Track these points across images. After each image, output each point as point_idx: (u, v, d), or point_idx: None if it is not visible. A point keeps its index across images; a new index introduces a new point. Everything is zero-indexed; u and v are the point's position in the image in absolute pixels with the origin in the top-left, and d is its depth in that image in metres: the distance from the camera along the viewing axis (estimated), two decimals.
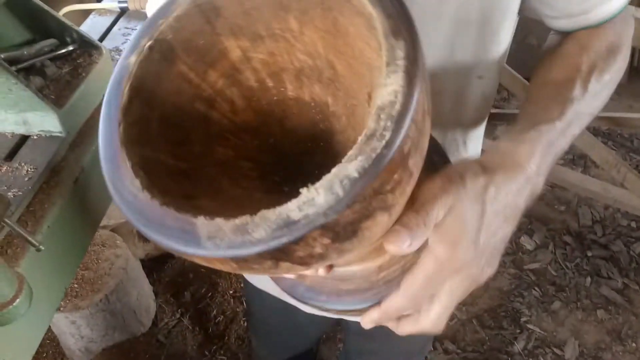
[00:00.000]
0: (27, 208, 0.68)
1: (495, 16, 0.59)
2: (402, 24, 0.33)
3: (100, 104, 0.44)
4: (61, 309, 1.43)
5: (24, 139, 0.78)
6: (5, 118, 0.77)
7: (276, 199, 0.32)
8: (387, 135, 0.30)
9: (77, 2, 1.10)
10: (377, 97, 0.31)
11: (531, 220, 2.12)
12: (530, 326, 1.82)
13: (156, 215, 0.32)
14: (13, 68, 0.74)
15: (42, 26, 0.85)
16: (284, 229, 0.29)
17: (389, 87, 0.31)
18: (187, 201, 0.37)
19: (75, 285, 1.47)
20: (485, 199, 0.39)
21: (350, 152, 0.30)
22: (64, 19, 0.86)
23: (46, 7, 0.83)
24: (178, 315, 1.82)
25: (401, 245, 0.37)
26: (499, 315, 1.85)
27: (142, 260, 1.78)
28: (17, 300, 0.51)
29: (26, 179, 0.71)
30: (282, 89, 0.46)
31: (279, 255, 0.31)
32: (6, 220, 0.53)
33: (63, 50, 0.86)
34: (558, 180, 2.03)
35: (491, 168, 0.40)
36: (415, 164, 0.33)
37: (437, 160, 0.51)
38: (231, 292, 1.90)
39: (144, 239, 1.88)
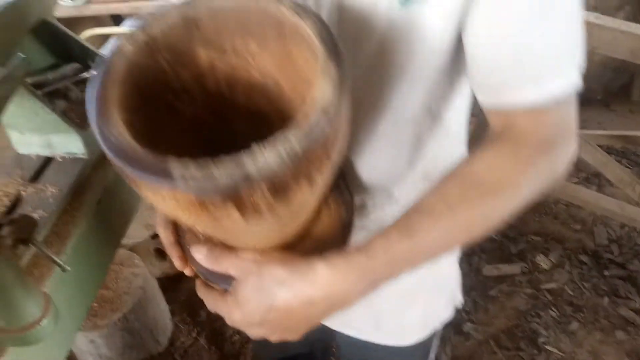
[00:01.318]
0: (52, 229, 0.70)
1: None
2: (337, 55, 0.44)
3: None
4: (80, 327, 1.44)
5: (48, 160, 0.80)
6: (30, 140, 0.79)
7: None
8: (320, 123, 0.40)
9: (95, 26, 1.13)
10: (317, 98, 0.42)
11: (547, 239, 2.10)
12: (548, 347, 1.80)
13: (137, 155, 0.41)
14: (39, 92, 0.77)
15: (65, 51, 0.87)
16: (244, 179, 0.38)
17: (323, 89, 0.42)
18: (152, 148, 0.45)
19: (95, 304, 1.48)
20: (279, 298, 0.49)
21: (290, 127, 0.40)
22: (86, 44, 0.88)
23: (70, 32, 0.86)
24: (194, 335, 1.82)
25: (199, 249, 0.55)
26: (516, 335, 1.83)
27: (158, 279, 1.79)
28: (44, 320, 0.53)
29: (51, 200, 0.73)
30: (234, 98, 0.57)
31: (233, 197, 0.40)
32: (34, 241, 0.54)
33: (85, 74, 0.88)
34: (573, 198, 2.02)
35: (319, 280, 0.48)
36: (335, 152, 0.45)
37: (342, 186, 0.64)
38: None
39: (161, 257, 1.90)
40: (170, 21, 0.51)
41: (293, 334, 0.53)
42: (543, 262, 2.03)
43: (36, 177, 0.78)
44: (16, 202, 0.73)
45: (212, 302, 0.56)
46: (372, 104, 0.64)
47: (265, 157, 0.38)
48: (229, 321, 0.54)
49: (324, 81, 0.43)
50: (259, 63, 0.54)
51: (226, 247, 0.54)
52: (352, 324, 0.87)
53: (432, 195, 0.53)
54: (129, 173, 0.41)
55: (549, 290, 1.96)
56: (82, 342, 1.50)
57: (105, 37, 1.15)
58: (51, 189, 0.75)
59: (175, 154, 0.42)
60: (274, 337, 0.54)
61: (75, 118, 0.81)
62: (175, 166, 0.39)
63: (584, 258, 2.04)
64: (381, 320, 0.84)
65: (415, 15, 0.54)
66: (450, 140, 0.73)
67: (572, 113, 0.55)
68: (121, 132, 0.43)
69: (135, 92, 0.49)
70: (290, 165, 0.39)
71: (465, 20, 0.54)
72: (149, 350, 1.69)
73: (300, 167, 0.40)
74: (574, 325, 1.85)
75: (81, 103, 0.85)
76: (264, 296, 0.49)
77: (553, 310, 1.89)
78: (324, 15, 0.58)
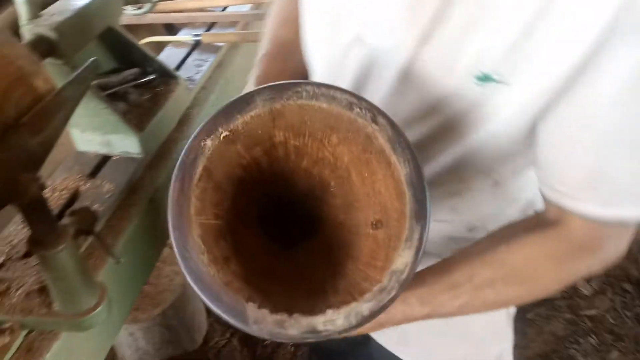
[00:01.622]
0: (106, 223, 0.74)
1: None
2: (423, 210, 0.45)
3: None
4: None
5: (106, 158, 0.85)
6: (91, 139, 0.84)
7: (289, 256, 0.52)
8: (393, 293, 0.44)
9: (149, 34, 1.18)
10: (393, 262, 0.45)
11: None
12: None
13: (216, 289, 0.44)
14: (102, 94, 0.81)
15: (127, 56, 0.92)
16: (310, 333, 0.43)
17: (403, 258, 0.45)
18: (227, 265, 0.47)
19: (137, 299, 1.53)
20: None
21: (366, 295, 0.45)
22: (146, 50, 0.93)
23: (132, 38, 0.91)
24: (228, 335, 1.86)
25: None
26: None
27: None
28: (99, 308, 0.56)
29: (107, 195, 0.77)
30: (299, 163, 0.57)
31: (300, 344, 0.49)
32: (94, 233, 0.58)
33: (144, 79, 0.93)
34: None
35: None
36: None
37: None
38: None
39: None
40: (256, 115, 0.50)
41: None
42: (584, 288, 1.98)
43: (94, 173, 0.82)
44: (75, 196, 0.77)
45: None
46: (430, 168, 0.63)
47: (337, 322, 0.44)
48: None
49: (408, 250, 0.45)
50: (335, 149, 0.54)
51: None
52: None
53: (462, 269, 0.55)
54: (205, 300, 0.45)
55: (589, 317, 1.91)
56: (122, 335, 1.55)
57: (159, 44, 1.20)
58: (108, 186, 0.79)
59: (238, 228, 0.46)
60: None
61: (134, 120, 0.86)
62: (252, 313, 0.43)
63: (627, 286, 1.98)
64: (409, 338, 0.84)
65: (491, 95, 0.50)
66: (508, 202, 0.70)
67: (632, 232, 0.54)
68: (199, 254, 0.45)
69: (210, 189, 0.49)
70: (356, 327, 0.44)
71: (545, 114, 0.50)
72: (184, 347, 1.73)
73: (363, 324, 0.45)
74: (614, 354, 1.80)
75: (139, 106, 0.90)
76: None
77: (592, 338, 1.84)
78: (388, 76, 0.56)
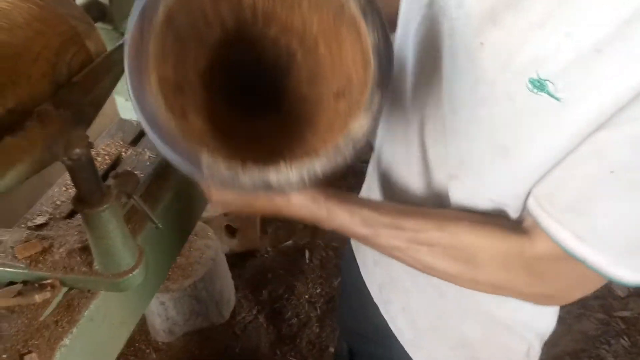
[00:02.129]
0: (146, 190, 0.75)
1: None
2: (386, 79, 0.45)
3: None
4: None
5: None
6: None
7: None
8: (347, 153, 0.44)
9: None
10: (351, 126, 0.45)
11: None
12: None
13: (171, 134, 0.42)
14: None
15: None
16: (263, 186, 0.43)
17: (360, 122, 0.45)
18: (184, 118, 0.45)
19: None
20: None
21: (321, 154, 0.44)
22: None
23: None
24: (255, 312, 1.88)
25: None
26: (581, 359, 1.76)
27: (225, 255, 1.86)
28: (137, 269, 0.57)
29: (147, 163, 0.78)
30: (266, 30, 0.54)
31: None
32: (134, 197, 0.59)
33: None
34: None
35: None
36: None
37: None
38: (307, 296, 1.94)
39: (230, 234, 1.97)
40: None
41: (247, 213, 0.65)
42: (619, 289, 1.94)
43: (136, 141, 0.84)
44: (117, 161, 0.79)
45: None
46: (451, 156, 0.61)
47: (289, 176, 0.44)
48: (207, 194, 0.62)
49: (365, 115, 0.44)
50: (305, 16, 0.51)
51: None
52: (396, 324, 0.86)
53: (416, 219, 0.56)
54: (159, 146, 0.43)
55: (622, 318, 1.86)
56: (154, 303, 1.59)
57: None
58: (148, 153, 0.80)
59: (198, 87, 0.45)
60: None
61: None
62: (205, 158, 0.42)
63: None
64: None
65: (542, 104, 0.46)
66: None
67: (591, 285, 0.51)
68: (157, 100, 0.42)
69: (171, 37, 0.46)
70: (308, 184, 0.44)
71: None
72: (211, 320, 1.76)
73: (316, 183, 0.45)
74: None
75: None
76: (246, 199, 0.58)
77: (624, 339, 1.80)
78: (446, 47, 0.54)
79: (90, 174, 0.48)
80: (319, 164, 0.44)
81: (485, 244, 0.53)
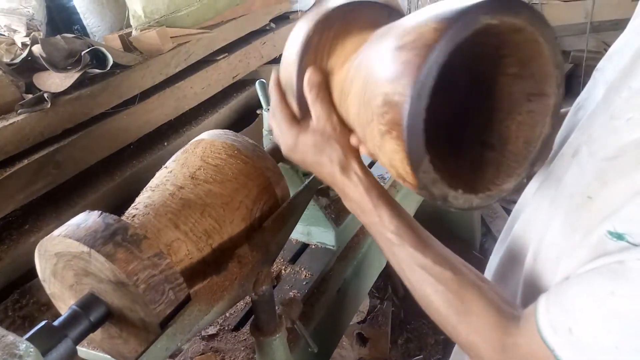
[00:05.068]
0: (302, 309, 0.82)
1: None
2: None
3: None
4: None
5: (304, 246, 0.94)
6: (296, 228, 0.94)
7: None
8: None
9: None
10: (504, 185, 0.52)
11: None
12: None
13: None
14: None
15: None
16: (442, 200, 0.48)
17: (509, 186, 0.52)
18: None
19: None
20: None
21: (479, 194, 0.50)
22: None
23: None
24: None
25: (313, 70, 0.57)
26: None
27: None
28: None
29: (304, 282, 0.85)
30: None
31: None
32: (297, 323, 0.65)
33: None
34: None
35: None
36: None
37: None
38: None
39: (361, 343, 1.97)
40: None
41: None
42: None
43: (294, 259, 0.92)
44: (278, 278, 0.87)
45: (279, 114, 0.61)
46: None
47: (507, 188, 0.52)
48: (275, 134, 0.63)
49: (551, 121, 0.50)
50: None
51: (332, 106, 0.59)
52: None
53: (440, 251, 0.58)
54: None
55: None
56: None
57: None
58: (305, 273, 0.88)
59: None
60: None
61: (332, 214, 0.95)
62: (452, 194, 0.48)
63: None
64: None
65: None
66: None
67: None
68: None
69: None
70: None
71: None
72: None
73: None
74: None
75: (337, 201, 0.99)
76: (312, 155, 0.59)
77: None
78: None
79: (271, 307, 0.55)
80: (476, 201, 0.50)
81: (482, 311, 0.54)
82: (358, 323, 1.87)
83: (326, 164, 0.60)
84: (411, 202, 1.19)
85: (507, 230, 0.75)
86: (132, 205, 0.56)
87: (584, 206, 0.48)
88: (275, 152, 0.76)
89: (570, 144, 0.56)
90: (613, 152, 0.45)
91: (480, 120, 0.58)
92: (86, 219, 0.47)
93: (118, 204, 1.48)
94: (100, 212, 0.49)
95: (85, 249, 0.44)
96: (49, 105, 1.39)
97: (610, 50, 0.58)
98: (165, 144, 1.79)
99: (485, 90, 0.57)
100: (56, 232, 0.46)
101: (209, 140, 0.62)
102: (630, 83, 0.48)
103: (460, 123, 0.61)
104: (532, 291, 0.57)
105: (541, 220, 0.59)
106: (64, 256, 0.46)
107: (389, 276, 2.00)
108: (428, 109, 0.45)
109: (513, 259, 0.66)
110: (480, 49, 0.52)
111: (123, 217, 0.52)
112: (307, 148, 0.60)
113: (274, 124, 0.63)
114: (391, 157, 0.46)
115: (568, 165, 0.54)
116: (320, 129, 0.59)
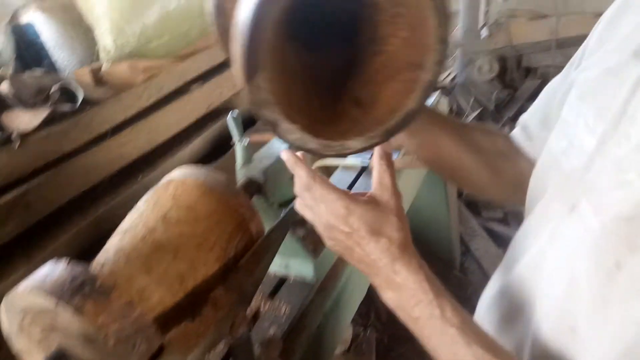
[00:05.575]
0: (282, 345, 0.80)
1: None
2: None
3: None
4: None
5: (282, 280, 0.93)
6: (274, 261, 0.93)
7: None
8: (396, 132, 0.53)
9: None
10: (406, 108, 0.52)
11: None
12: None
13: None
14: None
15: None
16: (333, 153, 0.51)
17: (416, 104, 0.52)
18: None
19: None
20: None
21: (377, 129, 0.52)
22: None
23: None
24: None
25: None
26: None
27: None
28: None
29: (284, 319, 0.84)
30: None
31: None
32: None
33: None
34: None
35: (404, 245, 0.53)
36: None
37: None
38: None
39: None
40: None
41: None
42: None
43: (273, 294, 0.90)
44: (257, 315, 0.85)
45: (318, 187, 0.56)
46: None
47: (352, 146, 0.51)
48: (301, 206, 0.60)
49: (419, 96, 0.51)
50: None
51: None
52: None
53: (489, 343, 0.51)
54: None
55: None
56: None
57: (332, 169, 1.29)
58: (284, 307, 0.86)
59: None
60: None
61: (309, 245, 0.94)
62: (285, 125, 0.48)
63: None
64: None
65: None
66: None
67: None
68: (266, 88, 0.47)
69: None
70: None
71: None
72: None
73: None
74: None
75: (314, 231, 0.98)
76: (365, 233, 0.53)
77: None
78: None
79: (248, 350, 0.53)
80: (377, 136, 0.52)
81: None
82: (342, 354, 1.84)
83: (382, 246, 0.52)
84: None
85: (506, 267, 0.69)
86: (103, 249, 0.55)
87: (613, 276, 0.43)
88: (248, 186, 0.75)
89: (562, 196, 0.52)
90: (629, 210, 0.42)
91: (364, 77, 0.59)
92: (52, 270, 0.46)
93: (92, 242, 1.44)
94: (67, 260, 0.47)
95: (52, 303, 0.42)
96: (17, 145, 1.36)
97: (580, 91, 0.54)
98: (140, 178, 1.76)
99: (377, 49, 0.58)
100: (22, 287, 0.45)
101: (180, 179, 0.61)
102: (628, 132, 0.44)
103: (349, 74, 0.62)
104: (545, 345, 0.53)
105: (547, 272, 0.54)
106: (30, 311, 0.45)
107: (371, 300, 1.98)
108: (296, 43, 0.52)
109: (518, 308, 0.61)
110: None
111: (93, 265, 0.51)
112: (361, 224, 0.52)
113: (309, 198, 0.58)
114: (235, 60, 0.46)
115: (567, 221, 0.50)
116: (384, 202, 0.54)
